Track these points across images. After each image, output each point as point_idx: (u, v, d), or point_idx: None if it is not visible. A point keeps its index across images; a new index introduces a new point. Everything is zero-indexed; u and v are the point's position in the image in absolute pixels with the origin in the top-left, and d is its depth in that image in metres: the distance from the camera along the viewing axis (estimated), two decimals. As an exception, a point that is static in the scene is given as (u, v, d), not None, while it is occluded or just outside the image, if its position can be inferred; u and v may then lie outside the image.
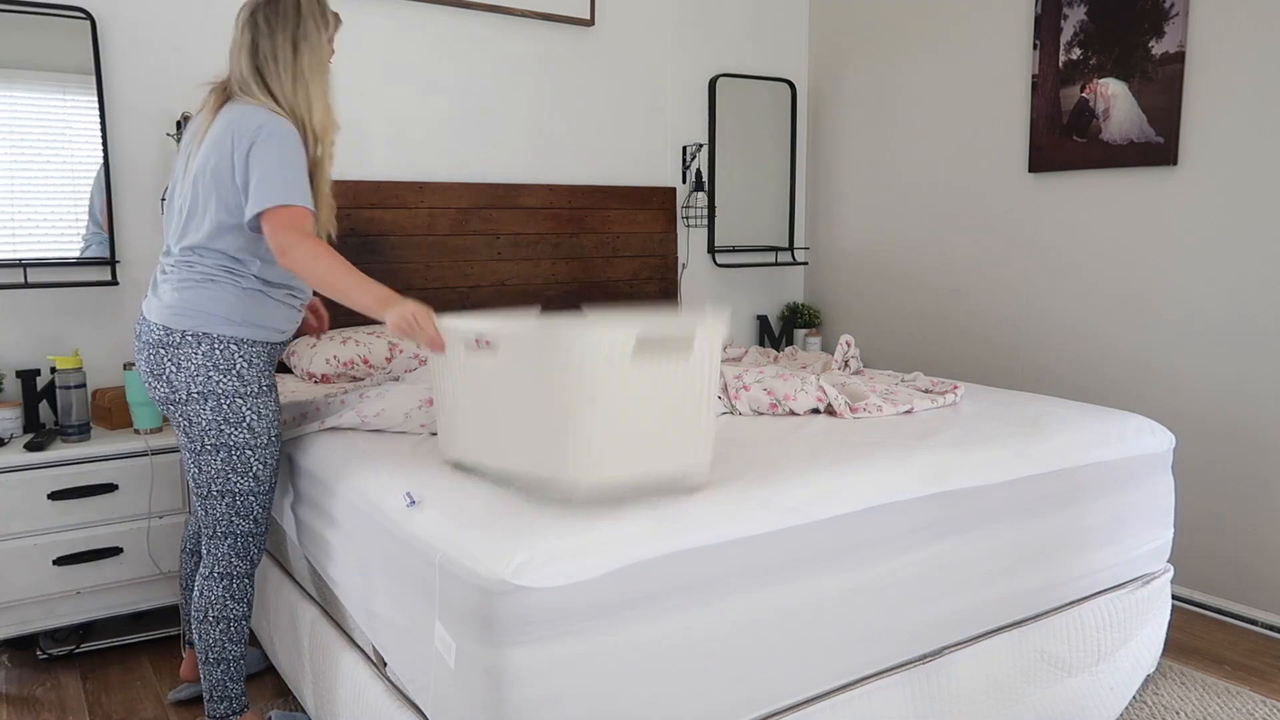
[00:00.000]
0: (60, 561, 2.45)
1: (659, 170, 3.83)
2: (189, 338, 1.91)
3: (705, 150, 3.90)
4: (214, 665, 2.04)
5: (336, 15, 2.03)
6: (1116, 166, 3.06)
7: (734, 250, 4.00)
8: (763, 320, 4.11)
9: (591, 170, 3.66)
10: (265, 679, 2.52)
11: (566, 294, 3.56)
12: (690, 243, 3.93)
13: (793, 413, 2.31)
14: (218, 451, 1.95)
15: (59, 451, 2.46)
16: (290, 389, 2.65)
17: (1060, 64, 3.18)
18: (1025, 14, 3.30)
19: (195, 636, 2.05)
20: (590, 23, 3.54)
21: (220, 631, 2.03)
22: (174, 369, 1.92)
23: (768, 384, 2.36)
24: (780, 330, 4.17)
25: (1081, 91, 3.13)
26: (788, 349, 3.16)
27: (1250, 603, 2.84)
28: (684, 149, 3.87)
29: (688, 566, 1.53)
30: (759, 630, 1.62)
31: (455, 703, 1.48)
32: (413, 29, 3.23)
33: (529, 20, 3.44)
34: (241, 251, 1.94)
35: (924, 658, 1.88)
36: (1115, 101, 3.03)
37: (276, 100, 1.93)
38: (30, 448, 2.44)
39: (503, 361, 1.63)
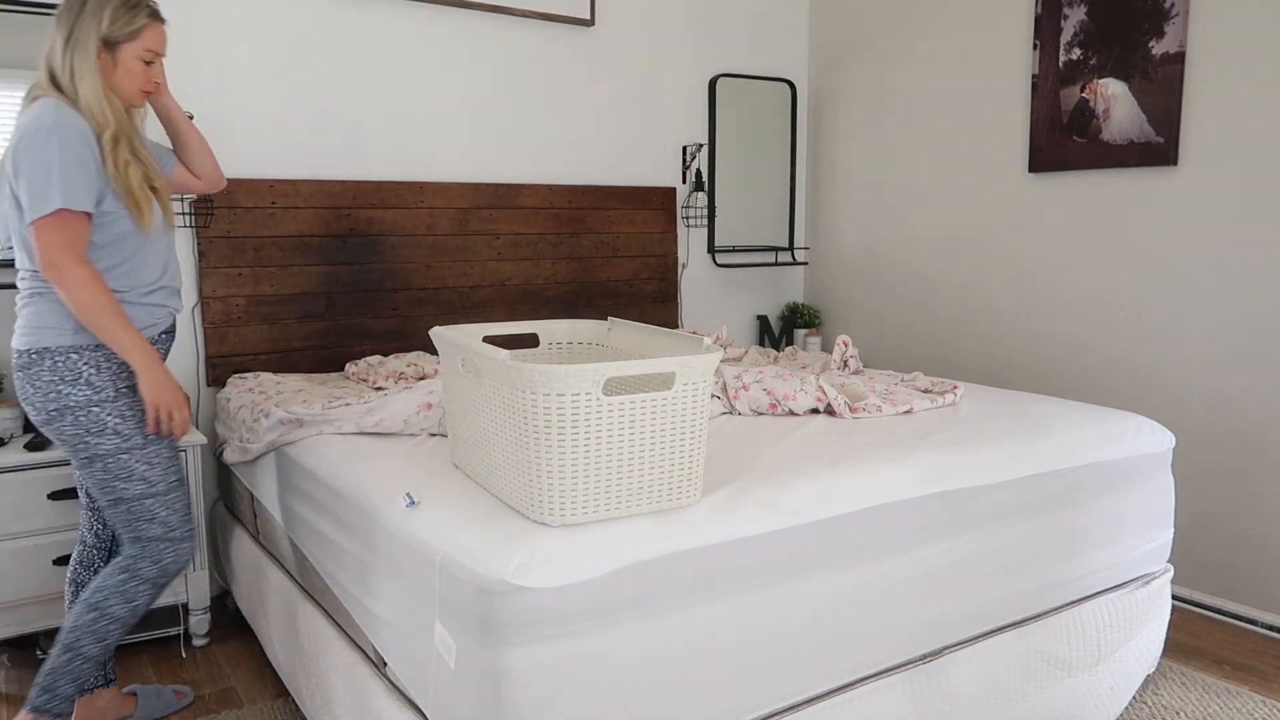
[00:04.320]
0: (60, 561, 2.45)
1: (659, 170, 3.83)
2: (33, 356, 1.89)
3: (705, 150, 3.90)
4: (62, 652, 1.95)
5: (141, 10, 1.89)
6: (1116, 166, 3.06)
7: (734, 250, 4.00)
8: (763, 320, 4.11)
9: (591, 170, 3.66)
10: (265, 678, 2.52)
11: (566, 294, 3.56)
12: (690, 243, 3.93)
13: (792, 413, 2.31)
14: (93, 462, 1.92)
15: (59, 451, 2.46)
16: (295, 386, 2.65)
17: (1060, 64, 3.18)
18: (1025, 14, 3.30)
19: (66, 619, 1.98)
20: (590, 23, 3.54)
21: (89, 620, 1.95)
22: (31, 390, 1.90)
23: (767, 384, 2.36)
24: (780, 330, 4.17)
25: (1081, 91, 3.13)
26: (788, 349, 3.16)
27: (1250, 603, 2.84)
28: (684, 149, 3.87)
29: (688, 567, 1.53)
30: (759, 630, 1.62)
31: (455, 703, 1.48)
32: (413, 28, 3.23)
33: (529, 20, 3.44)
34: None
35: (924, 658, 1.88)
36: (1115, 101, 3.03)
37: (62, 92, 1.84)
38: (30, 448, 2.44)
39: (486, 388, 1.61)
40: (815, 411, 2.32)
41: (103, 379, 1.90)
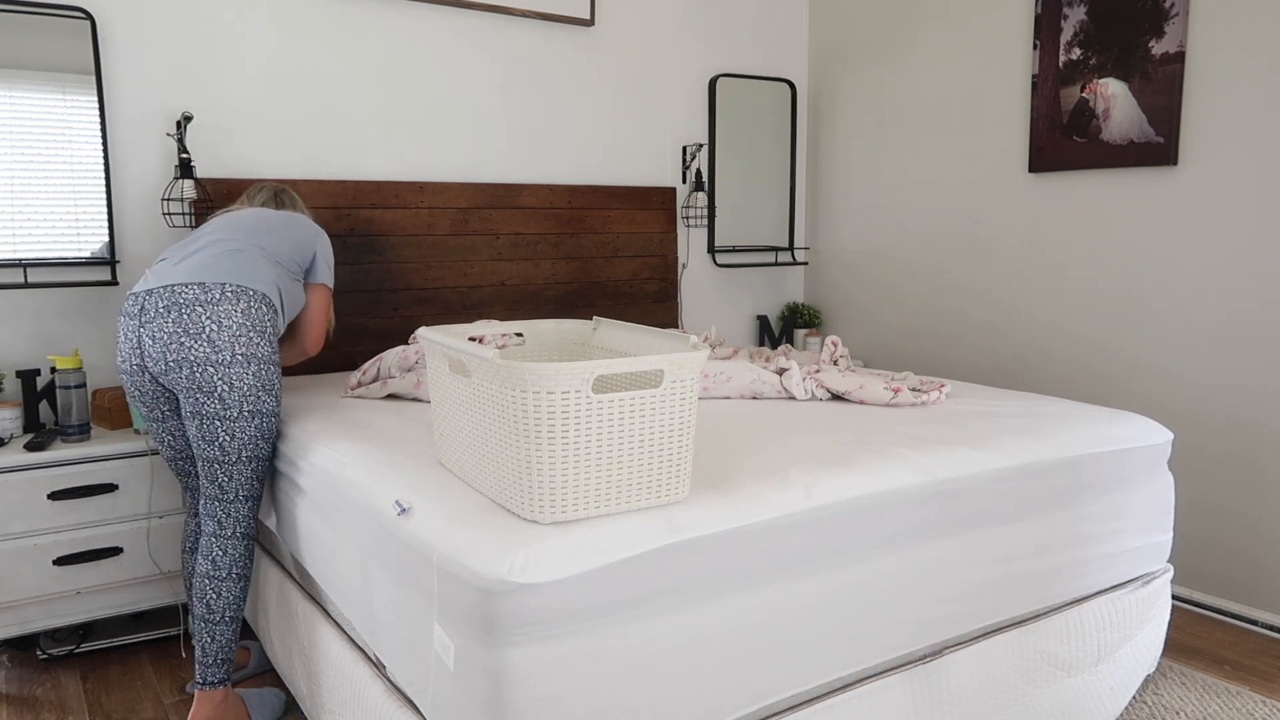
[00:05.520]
0: (60, 561, 2.46)
1: (659, 170, 3.83)
2: (229, 292, 1.96)
3: (705, 150, 3.90)
4: (228, 625, 2.09)
5: None
6: (1116, 166, 3.06)
7: (734, 250, 4.00)
8: (763, 320, 4.11)
9: (591, 170, 3.66)
10: (265, 678, 2.52)
11: (566, 294, 3.56)
12: (690, 243, 3.93)
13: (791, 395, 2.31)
14: (253, 418, 2.00)
15: (59, 451, 2.46)
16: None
17: (1060, 64, 3.18)
18: (1025, 14, 3.30)
19: (210, 597, 2.06)
20: (590, 23, 3.54)
21: (240, 589, 2.09)
22: (215, 327, 1.94)
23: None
24: (780, 330, 4.17)
25: (1081, 91, 3.13)
26: (781, 348, 3.16)
27: (1250, 603, 2.84)
28: (684, 149, 3.87)
29: (684, 563, 1.53)
30: (758, 629, 1.62)
31: (455, 703, 1.48)
32: (413, 29, 3.23)
33: (529, 20, 3.44)
34: (274, 267, 2.19)
35: (924, 657, 1.88)
36: (1115, 101, 3.03)
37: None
38: (30, 448, 2.44)
39: (474, 387, 1.61)
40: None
41: (275, 345, 2.08)
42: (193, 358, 1.94)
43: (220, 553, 2.08)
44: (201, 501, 2.12)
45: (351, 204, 3.10)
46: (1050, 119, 3.23)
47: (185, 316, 1.94)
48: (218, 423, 1.99)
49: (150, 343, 1.96)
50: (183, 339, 1.94)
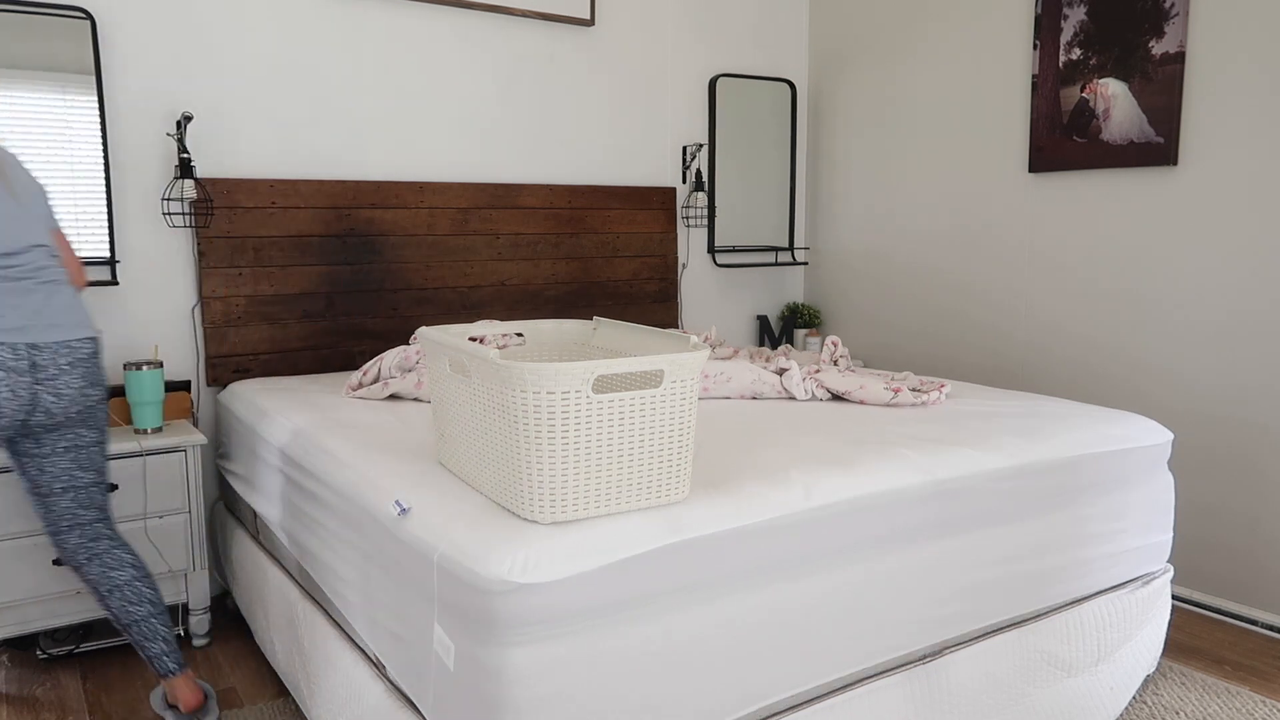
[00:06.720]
0: (60, 561, 2.45)
1: (659, 170, 3.83)
2: (100, 339, 2.13)
3: (705, 150, 3.90)
4: (165, 613, 2.19)
5: None
6: (1116, 166, 3.06)
7: (734, 250, 4.00)
8: (763, 320, 4.11)
9: (591, 170, 3.66)
10: (265, 678, 2.52)
11: (567, 294, 3.56)
12: (690, 243, 3.93)
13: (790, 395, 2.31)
14: (107, 440, 2.18)
15: (59, 451, 2.46)
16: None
17: (1060, 64, 3.18)
18: (1025, 14, 3.30)
19: (149, 593, 2.17)
20: (590, 23, 3.54)
21: (154, 581, 2.21)
22: (101, 373, 2.12)
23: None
24: (780, 330, 4.17)
25: (1081, 91, 3.13)
26: (781, 348, 3.16)
27: (1250, 603, 2.84)
28: (684, 149, 3.87)
29: (683, 562, 1.53)
30: (758, 629, 1.62)
31: (454, 703, 1.48)
32: (413, 29, 3.23)
33: (529, 20, 3.44)
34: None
35: (924, 657, 1.88)
36: (1115, 101, 3.03)
37: None
38: (30, 448, 2.45)
39: (474, 386, 1.61)
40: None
41: None
42: (92, 403, 2.11)
43: (131, 555, 2.20)
44: (78, 530, 2.16)
45: (351, 204, 3.10)
46: (1050, 119, 3.23)
47: (90, 370, 2.09)
48: (94, 449, 2.15)
49: (54, 399, 2.03)
50: (87, 390, 2.09)
